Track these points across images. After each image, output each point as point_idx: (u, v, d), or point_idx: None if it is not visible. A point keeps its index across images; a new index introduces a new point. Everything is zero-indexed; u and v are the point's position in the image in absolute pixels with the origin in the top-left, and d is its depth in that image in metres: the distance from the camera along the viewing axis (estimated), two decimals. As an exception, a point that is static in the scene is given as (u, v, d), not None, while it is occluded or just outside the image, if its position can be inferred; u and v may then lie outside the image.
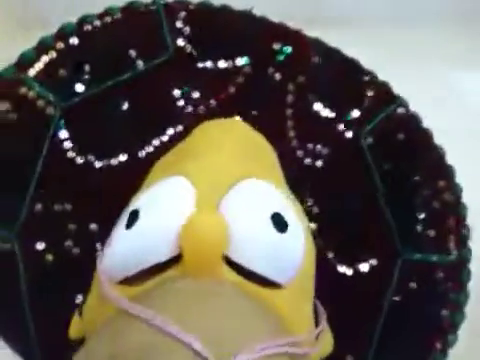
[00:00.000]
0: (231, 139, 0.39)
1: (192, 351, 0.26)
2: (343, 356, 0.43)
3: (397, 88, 0.44)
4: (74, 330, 0.36)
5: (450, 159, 0.44)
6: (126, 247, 0.32)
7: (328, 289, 0.41)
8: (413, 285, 0.43)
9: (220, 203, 0.33)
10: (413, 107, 0.44)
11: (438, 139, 0.44)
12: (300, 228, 0.35)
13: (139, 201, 0.35)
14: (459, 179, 0.44)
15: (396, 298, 0.43)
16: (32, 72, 0.42)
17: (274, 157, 0.41)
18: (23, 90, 0.41)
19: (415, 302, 0.43)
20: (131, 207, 0.34)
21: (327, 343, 0.37)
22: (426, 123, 0.44)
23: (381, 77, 0.45)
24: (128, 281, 0.32)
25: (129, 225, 0.33)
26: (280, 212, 0.33)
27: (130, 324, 0.28)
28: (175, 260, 0.31)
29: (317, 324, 0.36)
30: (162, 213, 0.32)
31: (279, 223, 0.33)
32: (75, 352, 0.39)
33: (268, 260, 0.32)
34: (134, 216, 0.33)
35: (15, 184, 0.41)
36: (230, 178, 0.34)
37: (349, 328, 0.41)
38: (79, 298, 0.41)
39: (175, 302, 0.28)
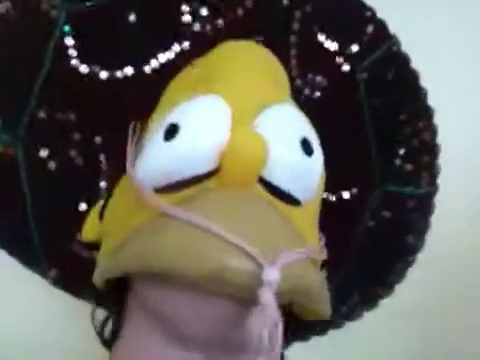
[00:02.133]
0: (256, 61, 0.40)
1: (242, 251, 0.29)
2: (321, 266, 0.48)
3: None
4: (90, 232, 0.38)
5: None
6: (166, 158, 0.34)
7: None
8: (386, 213, 0.48)
9: (254, 124, 0.35)
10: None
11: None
12: (320, 153, 0.38)
13: (176, 115, 0.36)
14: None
15: (370, 224, 0.48)
16: (35, -29, 0.39)
17: (287, 81, 0.43)
18: None
19: (386, 228, 0.48)
20: (168, 120, 0.35)
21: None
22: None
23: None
24: (163, 190, 0.34)
25: (168, 137, 0.34)
26: (307, 137, 0.36)
27: (175, 225, 0.31)
28: (211, 174, 0.34)
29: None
30: (202, 129, 0.34)
31: (307, 147, 0.36)
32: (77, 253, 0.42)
33: (296, 180, 0.35)
34: (173, 130, 0.34)
35: (18, 88, 0.41)
36: (261, 99, 0.36)
37: (328, 247, 0.46)
38: (82, 206, 0.42)
39: (214, 208, 0.31)
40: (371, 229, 0.48)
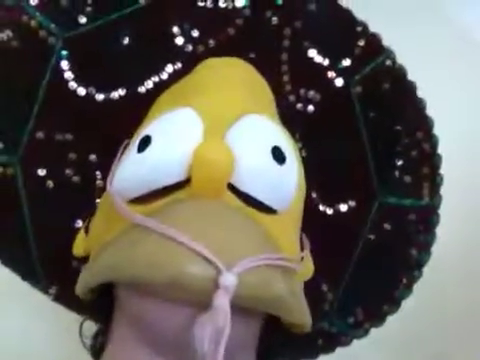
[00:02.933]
0: (234, 76, 0.42)
1: (202, 258, 0.29)
2: (320, 285, 0.47)
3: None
4: (80, 247, 0.40)
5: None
6: (138, 169, 0.35)
7: (310, 225, 0.45)
8: (387, 226, 0.47)
9: (225, 135, 0.36)
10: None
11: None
12: (295, 162, 0.38)
13: (150, 128, 0.37)
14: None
15: (370, 237, 0.47)
16: (34, 1, 0.42)
17: (271, 96, 0.44)
18: (25, 19, 0.42)
19: (388, 241, 0.47)
20: (142, 133, 0.37)
21: (308, 268, 0.41)
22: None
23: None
24: (138, 201, 0.35)
25: (141, 149, 0.36)
26: (279, 146, 0.37)
27: (144, 235, 0.32)
28: (183, 184, 0.34)
29: (301, 251, 0.40)
30: (172, 140, 0.35)
31: (278, 156, 0.36)
32: (76, 269, 0.43)
33: (267, 188, 0.35)
34: (146, 141, 0.36)
35: (17, 111, 0.43)
36: (234, 112, 0.37)
37: (326, 260, 0.45)
38: (79, 223, 0.43)
39: (184, 218, 0.32)
40: (372, 242, 0.47)
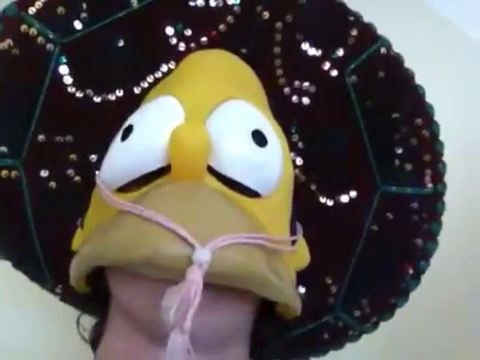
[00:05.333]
0: (215, 64, 0.42)
1: (177, 236, 0.30)
2: (323, 278, 0.47)
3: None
4: (77, 242, 0.41)
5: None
6: (121, 157, 0.37)
7: (311, 218, 0.45)
8: (390, 215, 0.47)
9: (206, 120, 0.36)
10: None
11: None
12: (278, 145, 0.38)
13: (133, 117, 0.38)
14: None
15: (373, 227, 0.47)
16: (32, 10, 0.44)
17: (258, 84, 0.44)
18: (24, 27, 0.44)
19: (391, 231, 0.47)
20: (126, 123, 0.38)
21: (302, 255, 0.41)
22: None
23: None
24: (124, 189, 0.36)
25: (124, 138, 0.37)
26: (260, 129, 0.37)
27: (122, 219, 0.33)
28: (165, 170, 0.35)
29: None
30: (153, 127, 0.36)
31: (259, 139, 0.36)
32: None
33: (248, 171, 0.36)
34: (128, 130, 0.37)
35: (19, 116, 0.44)
36: (215, 98, 0.38)
37: (329, 253, 0.45)
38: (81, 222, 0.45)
39: (162, 200, 0.33)
40: (375, 233, 0.47)
